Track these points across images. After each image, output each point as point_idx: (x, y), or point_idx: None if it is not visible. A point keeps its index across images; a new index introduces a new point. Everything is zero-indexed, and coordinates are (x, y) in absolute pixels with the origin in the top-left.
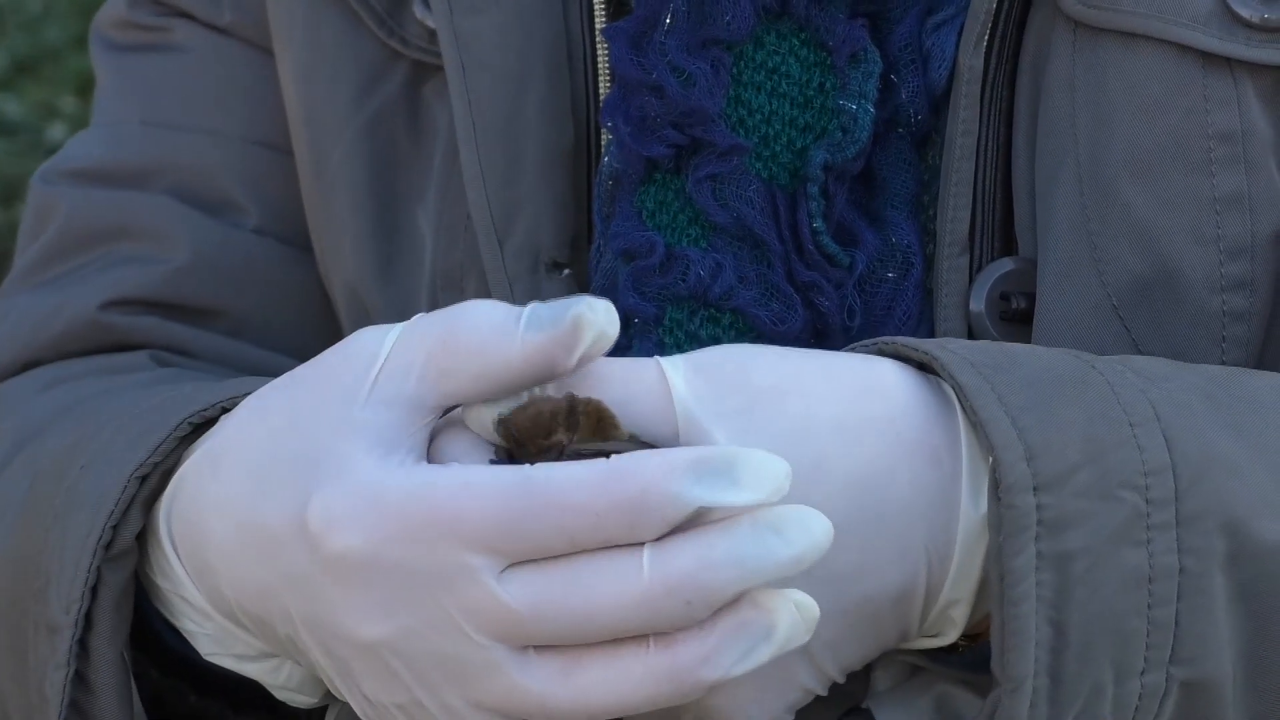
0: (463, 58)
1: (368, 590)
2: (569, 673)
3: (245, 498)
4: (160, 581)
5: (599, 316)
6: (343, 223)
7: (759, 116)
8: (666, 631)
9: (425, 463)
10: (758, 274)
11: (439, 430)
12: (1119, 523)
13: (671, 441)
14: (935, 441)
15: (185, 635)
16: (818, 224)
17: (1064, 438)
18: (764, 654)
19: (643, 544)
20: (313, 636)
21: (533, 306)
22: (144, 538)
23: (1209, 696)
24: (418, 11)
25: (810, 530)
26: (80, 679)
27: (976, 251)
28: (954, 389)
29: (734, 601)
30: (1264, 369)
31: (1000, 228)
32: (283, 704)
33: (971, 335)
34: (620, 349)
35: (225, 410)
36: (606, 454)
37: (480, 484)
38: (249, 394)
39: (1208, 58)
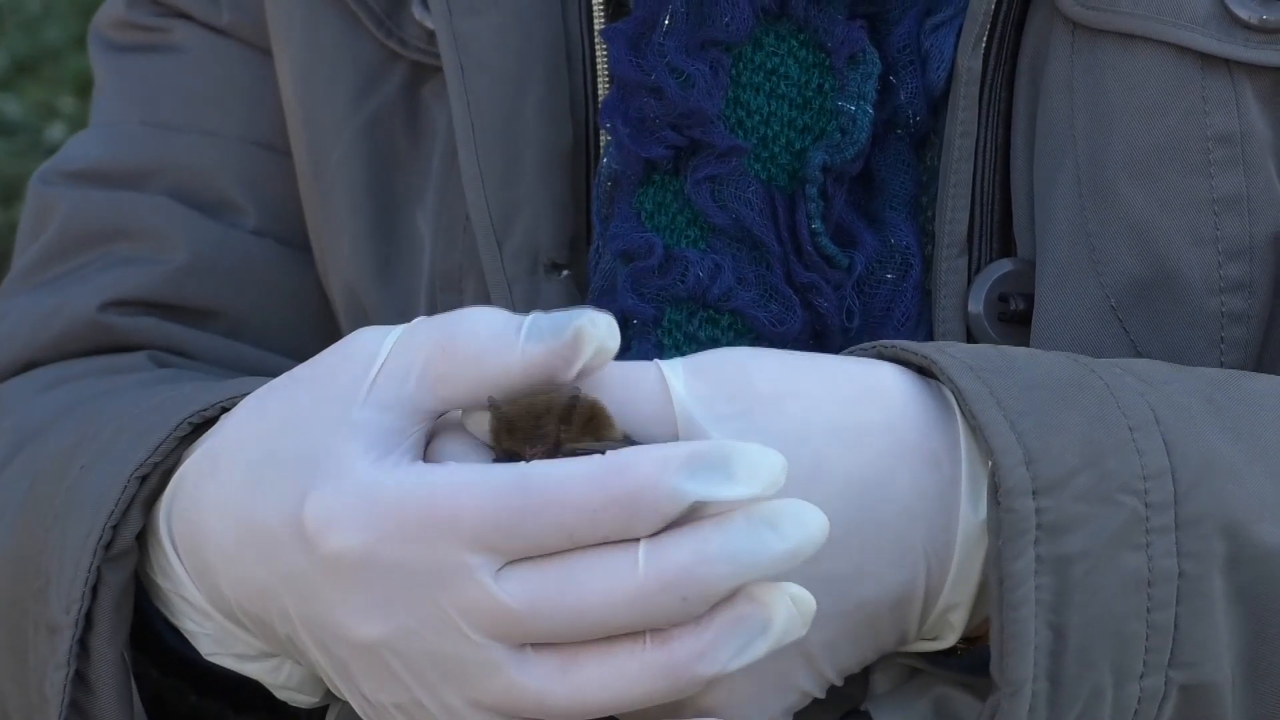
0: (461, 59)
1: (365, 590)
2: (566, 670)
3: (243, 497)
4: (161, 581)
5: (600, 330)
6: (341, 223)
7: (758, 118)
8: (663, 628)
9: (421, 462)
10: (756, 275)
11: (436, 431)
12: (1118, 526)
13: None
14: (934, 445)
15: (186, 635)
16: (816, 225)
17: (1063, 442)
18: (760, 648)
19: (638, 540)
20: (311, 636)
21: (534, 317)
22: (144, 537)
23: (1208, 700)
24: (416, 12)
25: (806, 525)
26: (80, 679)
27: (975, 253)
28: (953, 393)
29: (730, 597)
30: (1262, 370)
31: (999, 229)
32: (283, 704)
33: (970, 336)
34: (619, 350)
35: (225, 410)
36: (602, 452)
37: (476, 482)
38: (249, 394)
39: (1206, 59)
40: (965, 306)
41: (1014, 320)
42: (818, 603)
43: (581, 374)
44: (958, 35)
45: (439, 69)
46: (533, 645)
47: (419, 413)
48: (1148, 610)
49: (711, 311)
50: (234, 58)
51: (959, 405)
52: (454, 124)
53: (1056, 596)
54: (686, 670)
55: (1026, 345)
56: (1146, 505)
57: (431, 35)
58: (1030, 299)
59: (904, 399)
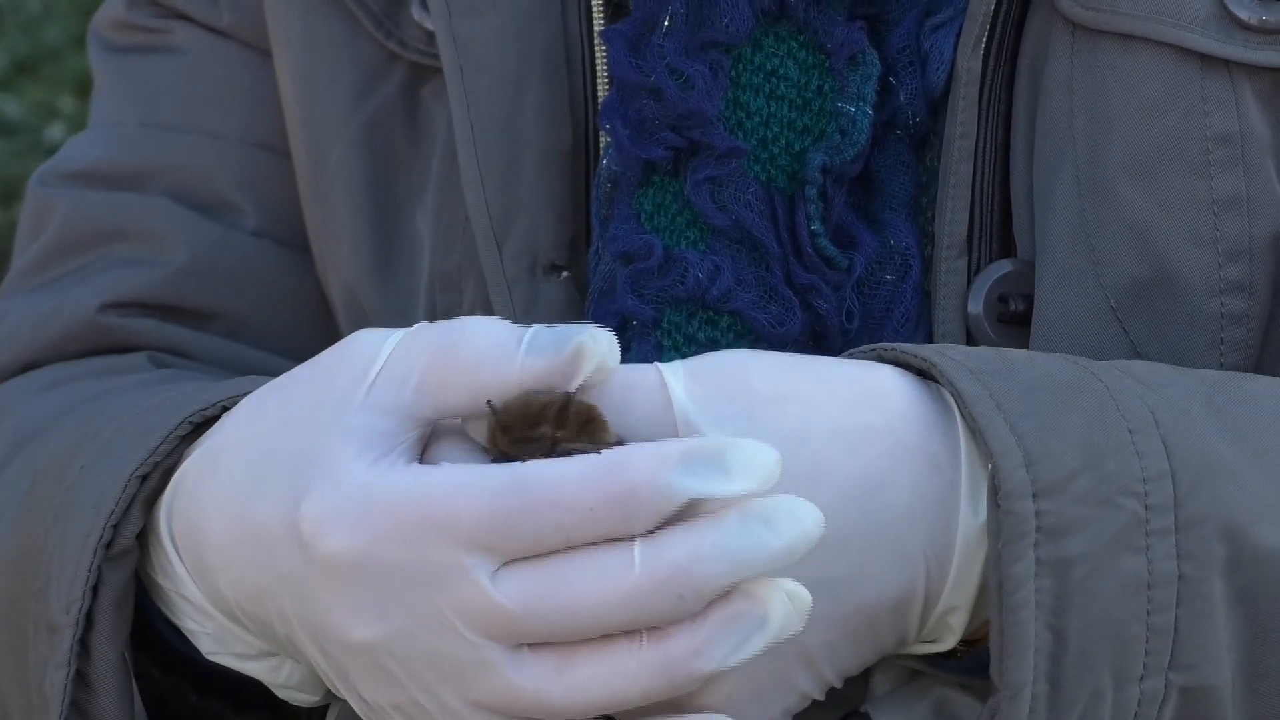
0: (461, 60)
1: (360, 592)
2: (563, 669)
3: (241, 497)
4: (161, 580)
5: (600, 347)
6: (341, 224)
7: (757, 119)
8: (659, 626)
9: (417, 464)
10: (756, 276)
11: (433, 434)
12: (1118, 529)
13: None
14: (934, 448)
15: (186, 634)
16: (816, 226)
17: (1063, 444)
18: (757, 644)
19: (634, 538)
20: (309, 637)
21: (535, 330)
22: (145, 537)
23: (1208, 702)
24: (416, 13)
25: (800, 520)
26: (81, 678)
27: (975, 254)
28: (953, 396)
29: (726, 593)
30: (1262, 371)
31: (998, 230)
32: (284, 703)
33: (970, 337)
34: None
35: (226, 409)
36: (597, 451)
37: (472, 483)
38: (249, 393)
39: (1206, 60)
40: (965, 307)
41: (1014, 321)
42: (817, 605)
43: (581, 389)
44: (957, 36)
45: (438, 70)
46: (529, 645)
47: (415, 419)
48: (1148, 613)
49: (711, 313)
50: (233, 59)
51: (959, 408)
52: (454, 125)
53: (1056, 599)
54: (683, 667)
55: (1026, 346)
56: (1146, 508)
57: (431, 36)
58: (1030, 300)
59: (904, 402)
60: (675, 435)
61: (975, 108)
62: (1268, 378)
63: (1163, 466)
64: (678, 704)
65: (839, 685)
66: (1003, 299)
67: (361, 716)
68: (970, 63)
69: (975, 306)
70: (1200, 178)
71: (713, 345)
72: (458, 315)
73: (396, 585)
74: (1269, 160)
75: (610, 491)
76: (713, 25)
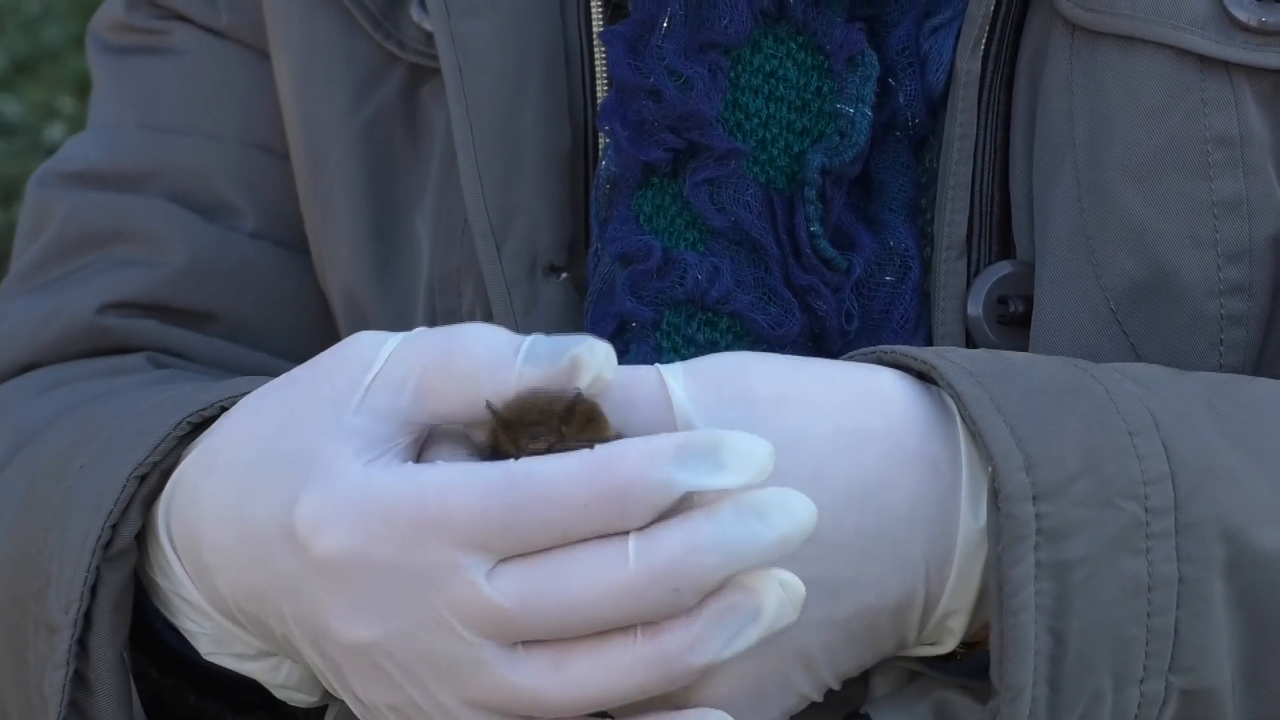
0: (460, 61)
1: (356, 591)
2: (558, 666)
3: (238, 497)
4: (160, 580)
5: (597, 359)
6: (340, 226)
7: (756, 120)
8: (655, 620)
9: (412, 463)
10: (755, 278)
11: (430, 435)
12: (1118, 531)
13: None
14: (934, 452)
15: (185, 635)
16: (815, 228)
17: (1063, 447)
18: (752, 636)
19: (628, 533)
20: (305, 638)
21: (533, 340)
22: (144, 537)
23: (1208, 704)
24: (414, 14)
25: (794, 513)
26: (79, 679)
27: (974, 255)
28: (953, 399)
29: (720, 586)
30: (1262, 372)
31: (998, 231)
32: (283, 704)
33: (969, 339)
34: (618, 353)
35: (224, 409)
36: (590, 447)
37: (466, 481)
38: (248, 393)
39: (1205, 61)
40: (964, 309)
41: (1013, 323)
42: (816, 608)
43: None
44: (956, 37)
45: (438, 71)
46: (525, 643)
47: (411, 424)
48: (1148, 615)
49: (710, 314)
50: (232, 60)
51: (959, 411)
52: (453, 126)
53: (1056, 602)
54: (679, 661)
55: (1026, 348)
56: (1146, 510)
57: (430, 37)
58: (1029, 301)
59: (904, 405)
60: None
61: (974, 109)
62: (1268, 380)
63: (1163, 469)
64: (674, 701)
65: (837, 687)
66: (1002, 300)
67: (359, 717)
68: (969, 64)
69: (975, 308)
70: (1200, 179)
71: (712, 347)
72: (457, 316)
73: (392, 585)
74: (1269, 162)
75: (604, 487)
76: (711, 26)
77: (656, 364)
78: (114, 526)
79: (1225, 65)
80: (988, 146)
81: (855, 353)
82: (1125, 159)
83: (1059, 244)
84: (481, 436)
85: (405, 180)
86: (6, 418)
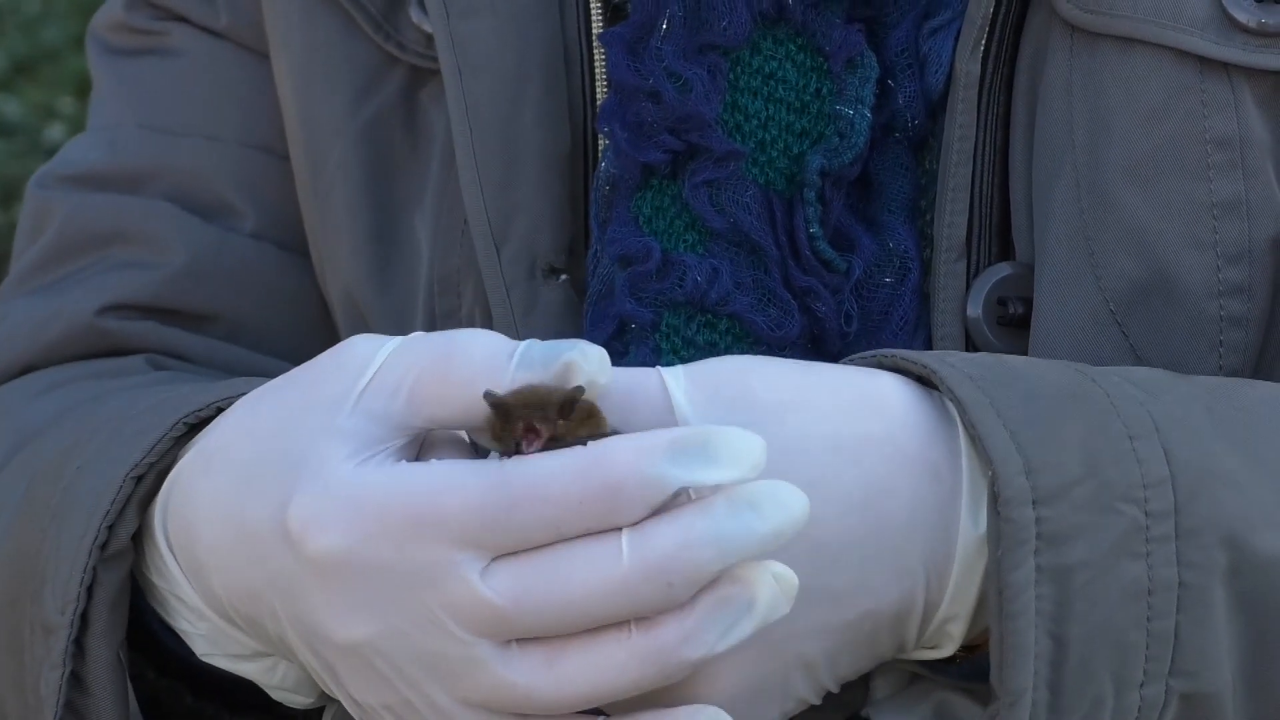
0: (459, 62)
1: (349, 591)
2: (552, 663)
3: (233, 497)
4: (156, 581)
5: (590, 364)
6: (339, 227)
7: (755, 122)
8: (649, 615)
9: (404, 462)
10: (754, 280)
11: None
12: (1118, 536)
13: None
14: (935, 457)
15: (181, 636)
16: (814, 229)
17: (1063, 451)
18: (746, 629)
19: (621, 529)
20: (299, 637)
21: (527, 345)
22: (140, 537)
23: (1209, 708)
24: (414, 15)
25: (787, 505)
26: (75, 679)
27: (974, 256)
28: (953, 403)
29: (713, 580)
30: (1261, 374)
31: (997, 233)
32: (279, 706)
33: (969, 340)
34: (617, 355)
35: (221, 410)
36: (584, 442)
37: (459, 479)
38: (244, 394)
39: (1205, 63)
40: (964, 310)
41: (1013, 324)
42: (817, 613)
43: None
44: (956, 39)
45: (437, 72)
46: (519, 640)
47: (405, 428)
48: (1148, 619)
49: (709, 316)
50: (231, 61)
51: (959, 415)
52: (452, 128)
53: (1057, 606)
54: (673, 655)
55: (1025, 349)
56: (1147, 514)
57: (429, 39)
58: (1029, 303)
59: (904, 410)
60: None
61: (974, 110)
62: (1268, 383)
63: (1163, 473)
64: (669, 697)
65: (836, 691)
66: (1002, 302)
67: (354, 717)
68: (969, 65)
69: (974, 309)
70: (1199, 181)
71: (711, 348)
72: (456, 318)
73: (385, 584)
74: (1268, 164)
75: (598, 484)
76: (710, 28)
77: (658, 366)
78: (110, 527)
79: (1225, 66)
80: (987, 148)
81: (855, 356)
82: (1125, 160)
83: (1059, 245)
84: (481, 435)
85: (405, 181)
86: (6, 419)
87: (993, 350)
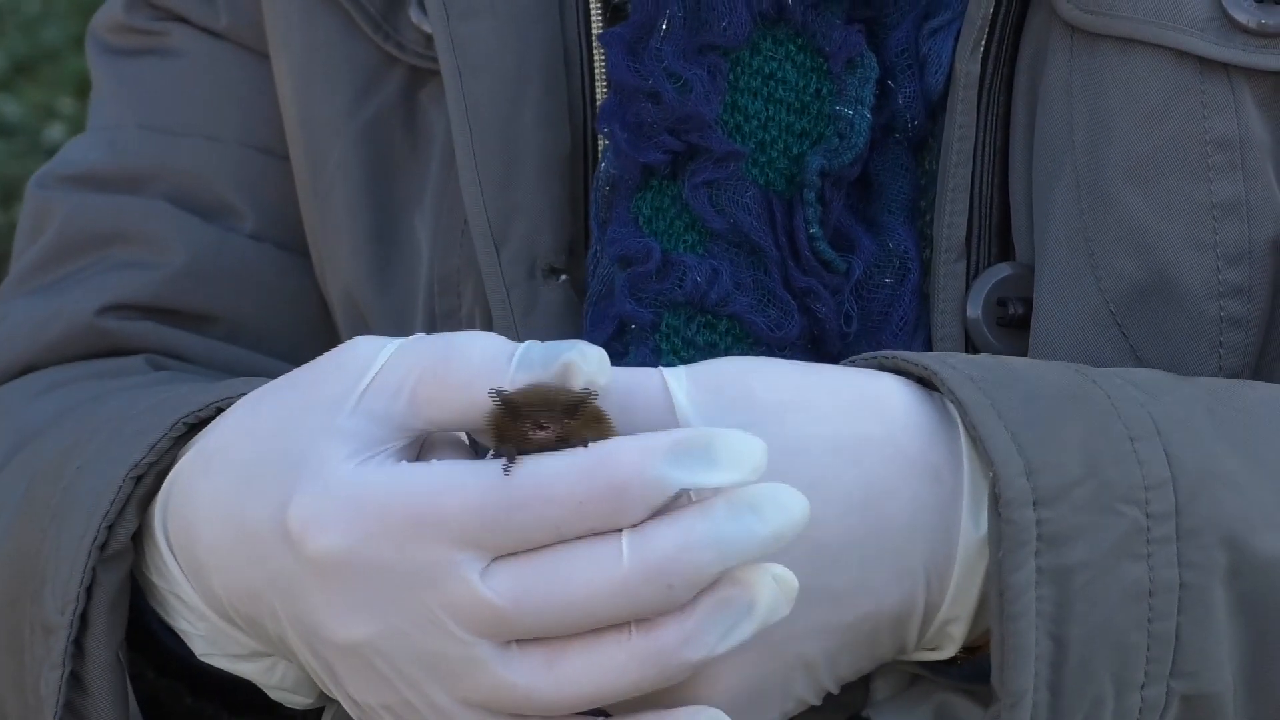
0: (459, 62)
1: (349, 591)
2: (553, 664)
3: (233, 497)
4: (157, 580)
5: (590, 365)
6: (339, 227)
7: (755, 122)
8: (649, 617)
9: (405, 462)
10: (754, 280)
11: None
12: (1119, 537)
13: None
14: (935, 459)
15: (181, 636)
16: (814, 230)
17: (1064, 452)
18: (746, 630)
19: (621, 530)
20: (299, 637)
21: (526, 346)
22: (140, 537)
23: (1210, 709)
24: (414, 16)
25: (787, 508)
26: (75, 679)
27: (973, 257)
28: (954, 405)
29: (714, 582)
30: (1261, 375)
31: (997, 233)
32: (279, 706)
33: (969, 341)
34: (617, 355)
35: (221, 410)
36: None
37: (460, 480)
38: (244, 394)
39: (1205, 63)
40: (964, 311)
41: (1012, 325)
42: (817, 614)
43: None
44: (956, 39)
45: (437, 73)
46: (519, 641)
47: (406, 430)
48: (1149, 620)
49: (709, 316)
50: (231, 61)
51: (960, 417)
52: (452, 128)
53: (1057, 607)
54: (674, 656)
55: (1025, 350)
56: (1148, 515)
57: (429, 39)
58: (1029, 304)
59: (905, 411)
60: None
61: (974, 111)
62: (1269, 385)
63: (1164, 474)
64: (669, 698)
65: (836, 692)
66: (1001, 303)
67: (354, 718)
68: (969, 66)
69: (974, 310)
70: (1199, 182)
71: (711, 348)
72: (456, 318)
73: (385, 584)
74: (1268, 165)
75: (599, 485)
76: (710, 29)
77: (660, 367)
78: (110, 527)
79: (1225, 67)
80: (987, 148)
81: (856, 358)
82: (1125, 161)
83: (1058, 246)
84: (482, 436)
85: (405, 181)
86: (5, 419)
87: (992, 351)
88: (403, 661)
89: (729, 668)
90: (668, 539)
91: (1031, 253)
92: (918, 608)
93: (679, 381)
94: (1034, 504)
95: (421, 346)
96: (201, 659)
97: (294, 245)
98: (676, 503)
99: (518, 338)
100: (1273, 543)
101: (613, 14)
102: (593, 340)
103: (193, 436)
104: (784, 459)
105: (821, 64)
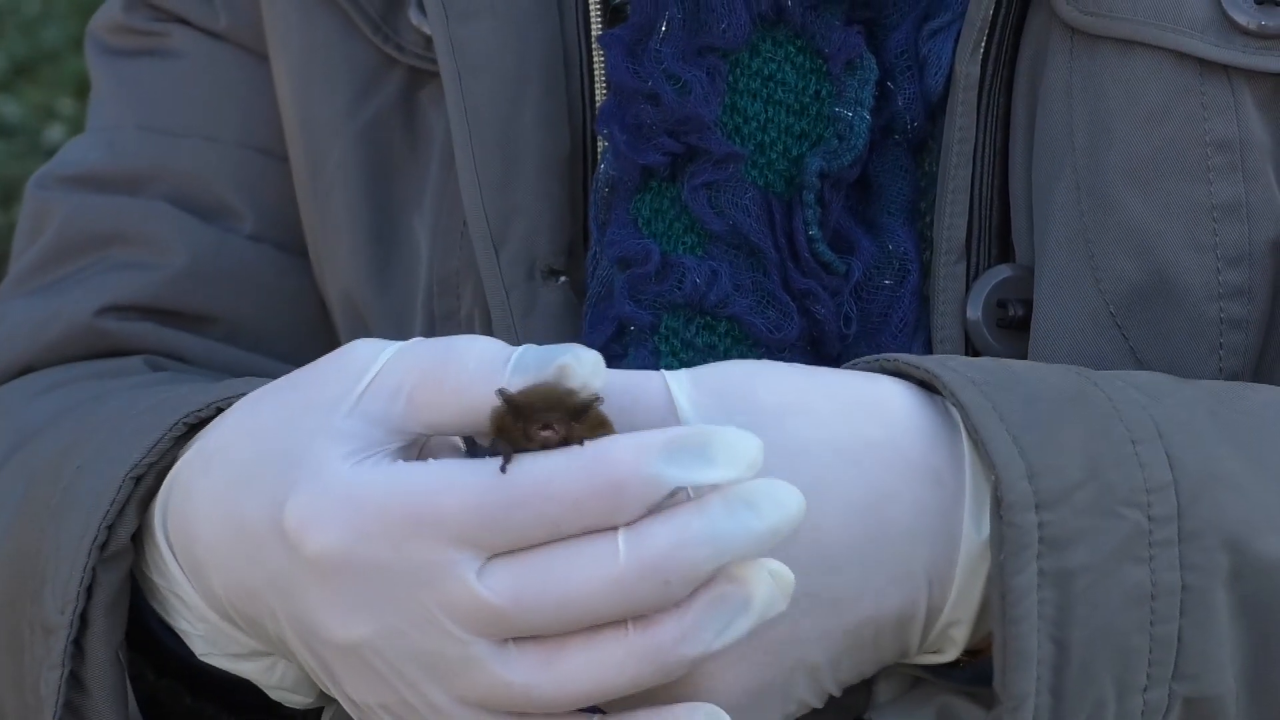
0: (459, 64)
1: (347, 590)
2: (550, 662)
3: (231, 496)
4: (157, 579)
5: (584, 368)
6: (339, 229)
7: (755, 124)
8: (646, 614)
9: (402, 461)
10: (753, 282)
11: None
12: (1121, 540)
13: None
14: (937, 462)
15: (181, 635)
16: (814, 231)
17: (1065, 455)
18: (743, 626)
19: (617, 528)
20: (297, 637)
21: (522, 350)
22: (141, 536)
23: (1212, 712)
24: (413, 18)
25: (783, 504)
26: (75, 679)
27: (973, 259)
28: (956, 408)
29: (711, 578)
30: (1261, 376)
31: (997, 235)
32: (279, 706)
33: (968, 343)
34: (616, 357)
35: (221, 410)
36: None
37: (457, 478)
38: (245, 394)
39: (1205, 65)
40: (964, 313)
41: (1012, 326)
42: (819, 619)
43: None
44: (956, 40)
45: (436, 74)
46: (516, 639)
47: (403, 432)
48: (1151, 623)
49: (708, 318)
50: (230, 62)
51: (962, 420)
52: (451, 129)
53: (1059, 611)
54: (671, 653)
55: (1025, 351)
56: (1149, 518)
57: (428, 40)
58: (1029, 305)
59: (907, 415)
60: None
61: (974, 112)
62: (1271, 387)
63: (1166, 477)
64: (671, 700)
65: (838, 695)
66: (1001, 304)
67: (352, 717)
68: (968, 67)
69: (974, 312)
70: (1199, 183)
71: (710, 350)
72: (455, 319)
73: (382, 582)
74: (1268, 166)
75: (596, 483)
76: (710, 30)
77: (662, 370)
78: (109, 527)
79: (1225, 69)
80: (987, 150)
81: (857, 361)
82: (1125, 162)
83: (1058, 247)
84: (482, 438)
85: (404, 183)
86: (5, 419)
87: (992, 353)
88: (400, 660)
89: (731, 670)
90: (664, 536)
91: (1031, 254)
92: (920, 611)
93: (681, 385)
94: (1036, 507)
95: (420, 350)
96: (201, 659)
97: (293, 246)
98: (673, 500)
99: (517, 339)
100: (1275, 545)
101: (612, 15)
102: (592, 341)
103: (193, 436)
104: (785, 462)
105: (821, 65)
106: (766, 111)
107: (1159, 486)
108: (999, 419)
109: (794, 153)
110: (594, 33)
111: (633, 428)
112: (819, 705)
